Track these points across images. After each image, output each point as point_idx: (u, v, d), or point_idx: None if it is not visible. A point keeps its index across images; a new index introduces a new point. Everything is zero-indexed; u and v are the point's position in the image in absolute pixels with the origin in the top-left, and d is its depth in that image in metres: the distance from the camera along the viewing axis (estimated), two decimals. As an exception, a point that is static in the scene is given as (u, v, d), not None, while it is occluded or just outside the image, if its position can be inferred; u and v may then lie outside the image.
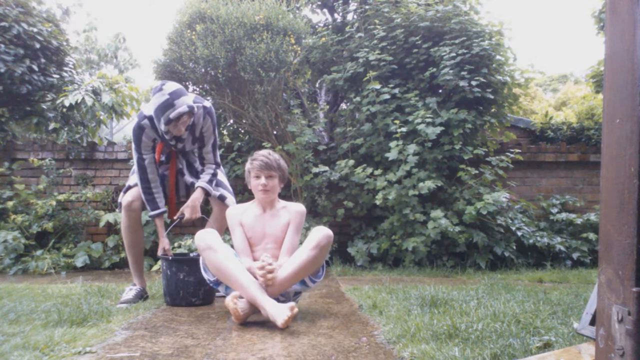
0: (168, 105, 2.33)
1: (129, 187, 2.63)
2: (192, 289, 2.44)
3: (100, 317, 1.99)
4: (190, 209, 2.57)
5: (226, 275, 2.05)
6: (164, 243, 2.58)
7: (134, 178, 2.62)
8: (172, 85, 2.38)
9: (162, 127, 2.41)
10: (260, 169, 2.21)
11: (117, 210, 4.61)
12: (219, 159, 2.74)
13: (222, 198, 2.70)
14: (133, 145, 2.54)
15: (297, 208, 2.28)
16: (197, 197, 2.60)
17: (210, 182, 2.65)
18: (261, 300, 1.95)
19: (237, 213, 2.29)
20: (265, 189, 2.22)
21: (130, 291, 2.54)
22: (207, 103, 2.63)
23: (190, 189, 2.72)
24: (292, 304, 1.89)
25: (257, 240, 2.24)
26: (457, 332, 1.67)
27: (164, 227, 2.60)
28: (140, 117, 2.53)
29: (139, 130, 2.49)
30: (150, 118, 2.48)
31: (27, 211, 4.42)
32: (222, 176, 2.86)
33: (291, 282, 2.08)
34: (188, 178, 2.69)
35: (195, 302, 2.44)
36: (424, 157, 4.11)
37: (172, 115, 2.34)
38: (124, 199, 2.59)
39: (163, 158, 2.64)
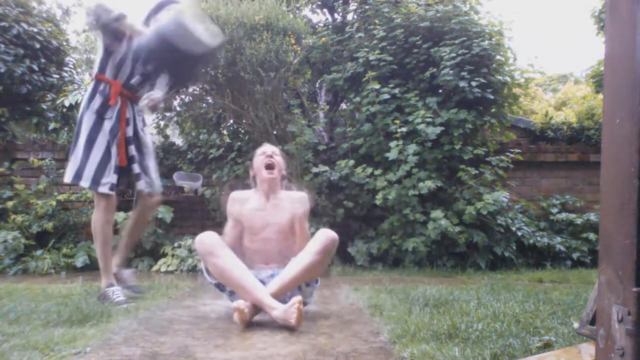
0: None
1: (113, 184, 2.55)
2: None
3: (100, 317, 1.99)
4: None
5: (229, 279, 2.03)
6: None
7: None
8: None
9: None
10: (266, 149, 2.31)
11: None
12: None
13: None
14: None
15: (300, 196, 2.26)
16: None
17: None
18: (268, 303, 1.93)
19: (241, 199, 2.27)
20: (271, 159, 2.25)
21: (117, 291, 2.49)
22: None
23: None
24: (297, 298, 1.86)
25: (258, 230, 2.20)
26: (457, 332, 1.67)
27: None
28: None
29: None
30: None
31: (27, 211, 4.42)
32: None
33: (295, 285, 2.07)
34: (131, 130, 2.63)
35: None
36: (424, 157, 4.10)
37: None
38: (103, 189, 2.49)
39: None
